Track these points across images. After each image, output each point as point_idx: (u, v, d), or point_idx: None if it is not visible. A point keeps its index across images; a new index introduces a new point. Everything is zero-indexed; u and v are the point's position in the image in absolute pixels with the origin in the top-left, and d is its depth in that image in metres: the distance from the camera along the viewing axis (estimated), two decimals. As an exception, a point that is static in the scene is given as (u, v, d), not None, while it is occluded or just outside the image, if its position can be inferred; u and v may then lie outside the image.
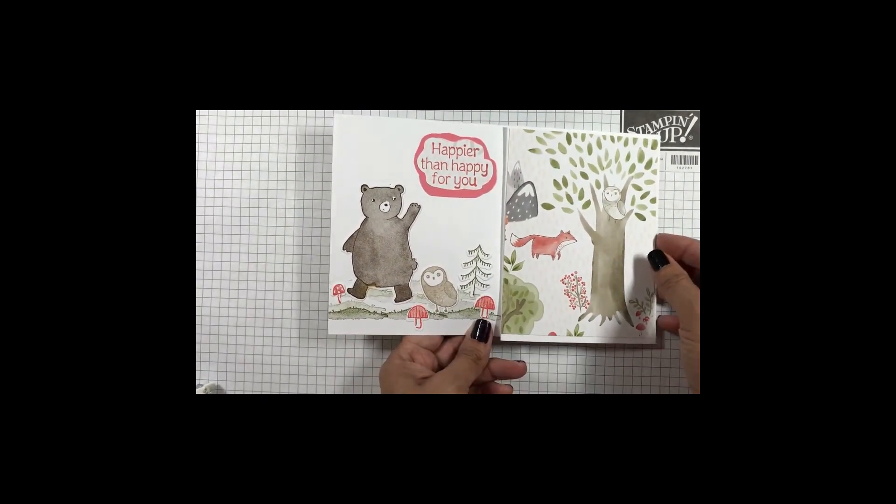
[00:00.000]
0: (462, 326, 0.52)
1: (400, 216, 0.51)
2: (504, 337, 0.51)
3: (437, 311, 0.51)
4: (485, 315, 0.52)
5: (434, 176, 0.51)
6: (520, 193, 0.51)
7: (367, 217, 0.50)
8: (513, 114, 0.55)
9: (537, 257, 0.51)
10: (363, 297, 0.50)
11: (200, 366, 0.55)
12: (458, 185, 0.51)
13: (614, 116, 0.54)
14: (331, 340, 0.55)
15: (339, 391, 0.55)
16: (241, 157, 0.55)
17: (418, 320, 0.51)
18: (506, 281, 0.51)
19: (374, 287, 0.50)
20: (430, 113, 0.54)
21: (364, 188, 0.50)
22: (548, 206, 0.51)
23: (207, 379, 0.55)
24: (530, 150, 0.51)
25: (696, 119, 0.54)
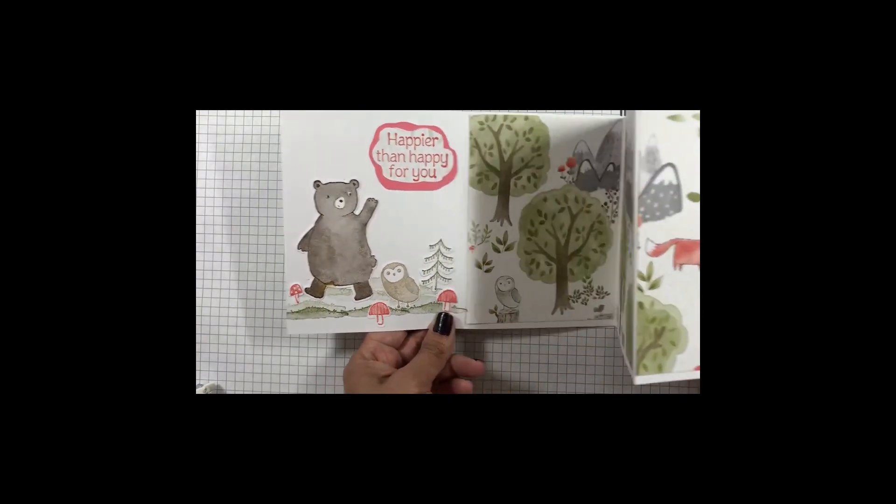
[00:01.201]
0: (425, 321, 0.51)
1: (356, 212, 0.48)
2: (639, 380, 0.40)
3: (398, 306, 0.50)
4: (447, 308, 0.51)
5: (391, 168, 0.48)
6: (657, 181, 0.38)
7: (321, 214, 0.48)
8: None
9: (680, 268, 0.40)
10: (321, 296, 0.49)
11: (200, 366, 0.55)
12: (416, 178, 0.49)
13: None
14: (330, 340, 0.55)
15: (330, 391, 0.55)
16: (240, 157, 0.54)
17: (380, 317, 0.50)
18: (640, 305, 0.39)
19: (332, 286, 0.49)
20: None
21: (317, 184, 0.48)
22: (695, 197, 0.39)
23: (207, 379, 0.55)
24: (670, 117, 0.39)
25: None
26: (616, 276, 0.52)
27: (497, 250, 0.51)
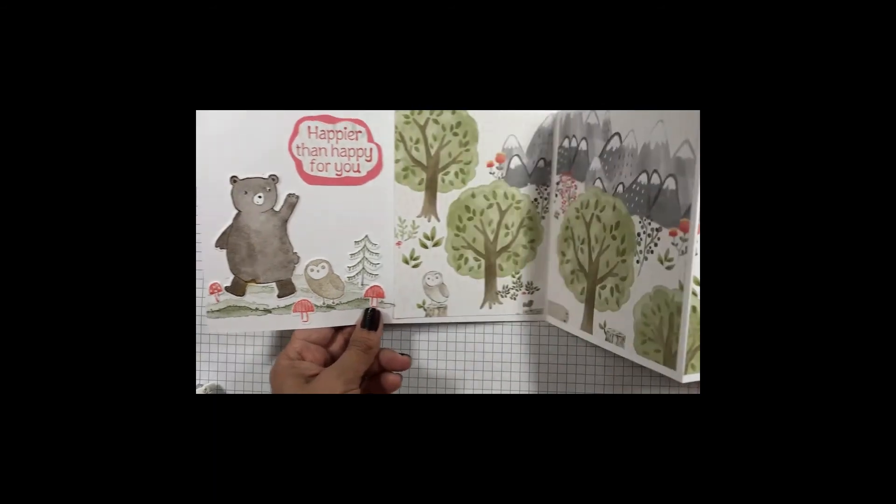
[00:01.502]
0: (352, 317, 0.50)
1: (276, 208, 0.47)
2: (686, 378, 0.40)
3: (323, 303, 0.49)
4: (374, 304, 0.50)
5: (312, 163, 0.47)
6: None
7: (239, 211, 0.46)
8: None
9: None
10: (243, 294, 0.48)
11: (200, 366, 0.54)
12: (339, 172, 0.47)
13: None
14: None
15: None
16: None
17: (304, 314, 0.49)
18: (693, 309, 0.39)
19: (254, 284, 0.48)
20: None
21: (234, 180, 0.46)
22: None
23: (207, 379, 0.54)
24: None
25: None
26: (547, 271, 0.52)
27: (425, 246, 0.50)
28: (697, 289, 0.39)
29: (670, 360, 0.41)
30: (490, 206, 0.50)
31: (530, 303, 0.53)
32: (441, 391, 0.55)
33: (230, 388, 0.55)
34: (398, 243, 0.50)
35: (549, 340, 0.54)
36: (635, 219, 0.43)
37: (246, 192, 0.46)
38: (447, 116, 0.48)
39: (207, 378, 0.55)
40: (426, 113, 0.48)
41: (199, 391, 0.52)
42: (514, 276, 0.52)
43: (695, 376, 0.40)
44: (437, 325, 0.54)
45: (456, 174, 0.49)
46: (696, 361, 0.40)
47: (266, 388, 0.54)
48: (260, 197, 0.46)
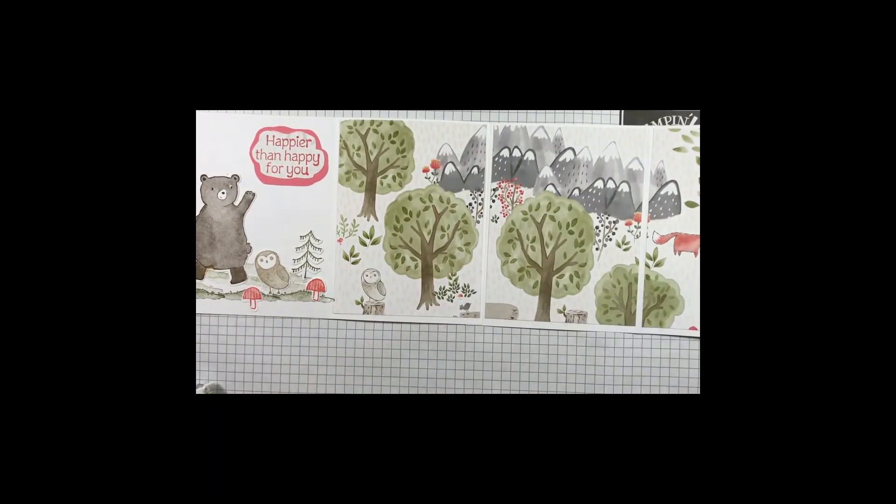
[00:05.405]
0: (296, 308, 0.54)
1: (236, 203, 0.54)
2: (644, 330, 0.51)
3: (270, 292, 0.54)
4: (316, 298, 0.54)
5: (268, 165, 0.54)
6: (662, 192, 0.52)
7: (205, 204, 0.54)
8: (503, 113, 0.54)
9: (679, 254, 0.52)
10: (202, 278, 0.54)
11: (200, 366, 0.56)
12: (290, 174, 0.54)
13: (614, 116, 0.54)
14: (331, 341, 0.56)
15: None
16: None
17: (252, 301, 0.54)
18: (647, 277, 0.51)
19: (211, 269, 0.54)
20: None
21: (203, 178, 0.54)
22: (692, 204, 0.52)
23: (207, 379, 0.56)
24: (675, 149, 0.52)
25: (695, 119, 0.53)
26: (483, 274, 0.53)
27: (364, 244, 0.54)
28: (651, 262, 0.51)
29: (630, 320, 0.52)
30: (426, 208, 0.54)
31: (467, 305, 0.53)
32: (441, 391, 0.55)
33: (230, 388, 0.56)
34: (339, 240, 0.54)
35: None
36: (593, 216, 0.53)
37: (212, 189, 0.54)
38: (385, 126, 0.54)
39: (207, 378, 0.56)
40: (367, 123, 0.54)
41: (199, 391, 0.53)
42: (450, 278, 0.54)
43: (650, 329, 0.51)
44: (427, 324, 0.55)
45: (394, 178, 0.54)
46: (653, 318, 0.51)
47: (266, 388, 0.55)
48: (223, 193, 0.54)
